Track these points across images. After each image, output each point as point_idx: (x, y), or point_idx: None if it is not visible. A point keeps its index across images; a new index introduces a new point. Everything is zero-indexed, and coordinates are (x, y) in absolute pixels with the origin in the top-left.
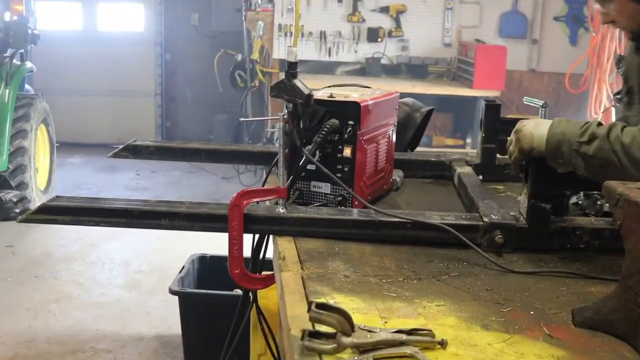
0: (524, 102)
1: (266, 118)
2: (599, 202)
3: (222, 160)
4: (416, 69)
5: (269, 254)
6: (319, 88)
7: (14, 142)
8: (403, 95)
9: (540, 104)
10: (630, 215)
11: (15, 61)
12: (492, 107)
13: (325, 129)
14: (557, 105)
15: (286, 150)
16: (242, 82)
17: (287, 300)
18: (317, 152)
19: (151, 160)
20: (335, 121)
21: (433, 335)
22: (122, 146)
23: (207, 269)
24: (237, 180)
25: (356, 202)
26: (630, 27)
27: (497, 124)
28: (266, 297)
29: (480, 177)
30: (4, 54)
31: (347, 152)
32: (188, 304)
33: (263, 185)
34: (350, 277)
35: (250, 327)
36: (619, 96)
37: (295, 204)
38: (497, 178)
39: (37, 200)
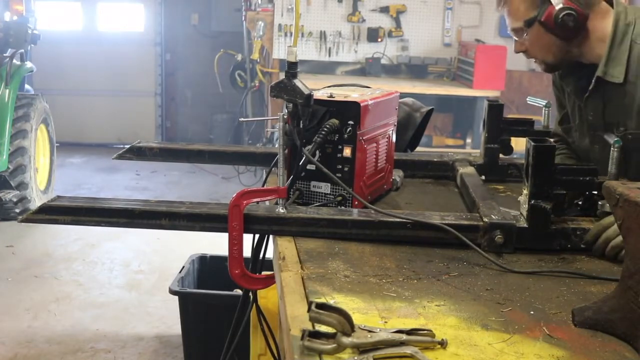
0: (528, 102)
1: (266, 118)
2: (599, 202)
3: (226, 162)
4: (416, 69)
5: (269, 254)
6: (319, 88)
7: (14, 142)
8: (403, 95)
9: (544, 103)
10: (630, 215)
11: (15, 61)
12: (495, 107)
13: (325, 129)
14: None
15: (286, 150)
16: (242, 82)
17: (287, 300)
18: (317, 152)
19: (153, 161)
20: (335, 121)
21: (433, 335)
22: (126, 148)
23: (207, 269)
24: (237, 180)
25: (356, 202)
26: (543, 59)
27: (500, 124)
28: (266, 297)
29: (483, 177)
30: (4, 54)
31: (347, 152)
32: (188, 304)
33: (263, 185)
34: (350, 277)
35: (250, 327)
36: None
37: (295, 204)
38: (500, 178)
39: (37, 200)
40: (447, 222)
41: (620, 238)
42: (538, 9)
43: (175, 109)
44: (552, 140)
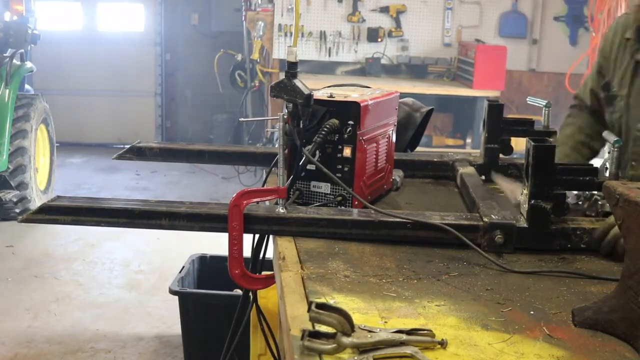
0: (528, 102)
1: (266, 118)
2: (599, 203)
3: (226, 162)
4: (416, 69)
5: (269, 254)
6: (319, 88)
7: (14, 142)
8: (403, 95)
9: (544, 103)
10: (630, 215)
11: (15, 61)
12: (495, 107)
13: (325, 129)
14: (557, 105)
15: (286, 150)
16: (242, 82)
17: (287, 300)
18: (317, 152)
19: (153, 161)
20: (335, 121)
21: (433, 335)
22: (126, 148)
23: (207, 269)
24: (237, 180)
25: (356, 202)
26: None
27: (499, 124)
28: (266, 297)
29: (483, 177)
30: (4, 54)
31: (347, 152)
32: (188, 304)
33: (263, 185)
34: (350, 277)
35: (250, 327)
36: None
37: (295, 204)
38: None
39: (37, 200)
40: (447, 222)
41: None
42: None
43: (175, 109)
44: (572, 103)
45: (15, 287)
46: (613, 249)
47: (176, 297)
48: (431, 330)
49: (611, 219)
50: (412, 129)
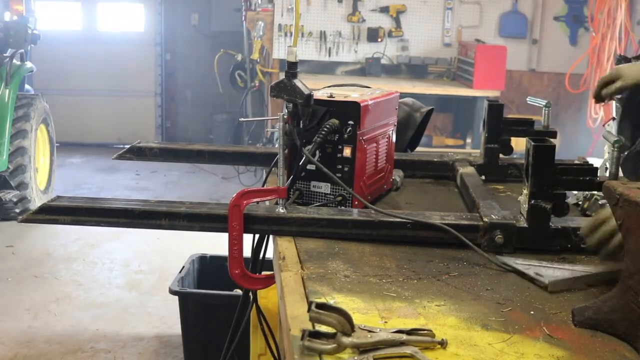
0: (528, 102)
1: (266, 118)
2: (599, 202)
3: (226, 162)
4: (416, 69)
5: (269, 254)
6: (319, 88)
7: (14, 142)
8: (403, 95)
9: (544, 103)
10: (630, 215)
11: (15, 61)
12: (495, 107)
13: (325, 129)
14: (557, 105)
15: (286, 150)
16: (242, 82)
17: (287, 300)
18: (317, 152)
19: (153, 161)
20: (335, 121)
21: (433, 335)
22: (126, 148)
23: (207, 269)
24: (237, 180)
25: (356, 202)
26: None
27: (500, 124)
28: (266, 297)
29: (483, 177)
30: (4, 54)
31: (347, 152)
32: (188, 304)
33: (263, 185)
34: (350, 277)
35: (250, 327)
36: None
37: (295, 204)
38: (500, 178)
39: (37, 200)
40: (447, 222)
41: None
42: None
43: (175, 109)
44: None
45: (15, 287)
46: (602, 247)
47: (176, 297)
48: (431, 330)
49: (602, 214)
50: (412, 129)
